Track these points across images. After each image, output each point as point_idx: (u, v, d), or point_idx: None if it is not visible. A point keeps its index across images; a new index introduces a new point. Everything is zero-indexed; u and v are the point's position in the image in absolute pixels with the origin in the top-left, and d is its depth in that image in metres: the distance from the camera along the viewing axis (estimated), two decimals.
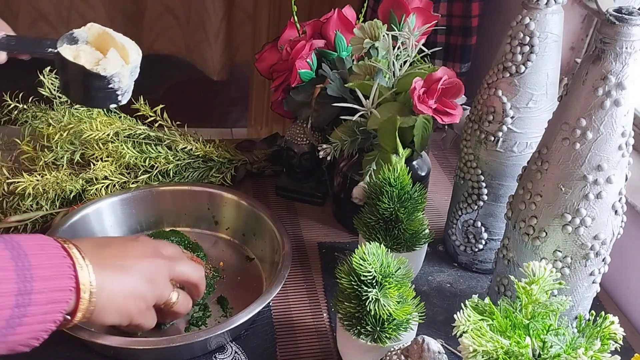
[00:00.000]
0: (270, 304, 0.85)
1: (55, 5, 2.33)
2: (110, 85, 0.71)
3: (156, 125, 1.02)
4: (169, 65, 2.58)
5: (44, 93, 1.01)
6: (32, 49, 0.74)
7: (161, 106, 1.02)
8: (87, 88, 0.71)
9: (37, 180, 0.93)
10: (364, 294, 0.66)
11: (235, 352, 0.78)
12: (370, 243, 0.68)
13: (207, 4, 2.30)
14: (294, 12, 1.01)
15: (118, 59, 0.72)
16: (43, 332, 0.59)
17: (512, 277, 0.71)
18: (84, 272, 0.61)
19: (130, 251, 0.68)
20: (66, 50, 0.71)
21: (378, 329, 0.68)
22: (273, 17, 2.13)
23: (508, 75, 0.78)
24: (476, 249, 0.90)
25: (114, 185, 0.96)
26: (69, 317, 0.61)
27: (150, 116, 1.01)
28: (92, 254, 0.63)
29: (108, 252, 0.65)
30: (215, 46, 2.38)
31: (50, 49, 0.71)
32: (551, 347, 0.58)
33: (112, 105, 0.74)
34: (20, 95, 1.00)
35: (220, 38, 2.37)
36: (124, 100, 0.74)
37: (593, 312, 0.61)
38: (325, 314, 0.85)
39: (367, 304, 0.66)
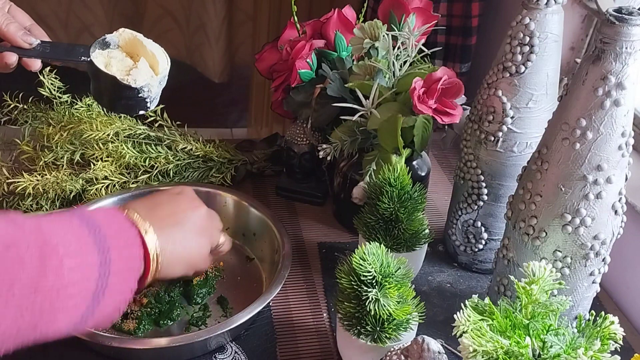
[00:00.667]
0: (270, 304, 0.85)
1: (53, 8, 2.32)
2: (140, 95, 0.73)
3: (156, 125, 1.02)
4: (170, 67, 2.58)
5: (44, 93, 1.01)
6: (65, 56, 0.75)
7: (161, 106, 1.02)
8: (118, 97, 0.73)
9: (37, 180, 0.93)
10: (364, 294, 0.66)
11: (235, 352, 0.78)
12: (370, 243, 0.68)
13: (208, 5, 2.30)
14: (294, 12, 1.01)
15: (148, 70, 0.74)
16: (122, 302, 0.61)
17: (512, 277, 0.71)
18: (149, 238, 0.64)
19: (179, 206, 0.71)
20: (98, 57, 0.73)
21: (378, 329, 0.68)
22: (273, 18, 2.13)
23: (508, 75, 0.78)
24: (476, 249, 0.90)
25: (114, 185, 0.96)
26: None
27: (150, 116, 1.01)
28: (149, 217, 0.66)
29: (161, 212, 0.68)
30: (217, 48, 2.38)
31: (83, 57, 0.73)
32: (551, 347, 0.58)
33: (141, 112, 0.76)
34: (20, 95, 1.00)
35: (221, 40, 2.37)
36: (152, 106, 0.76)
37: (593, 312, 0.61)
38: (325, 314, 0.85)
39: (367, 304, 0.66)
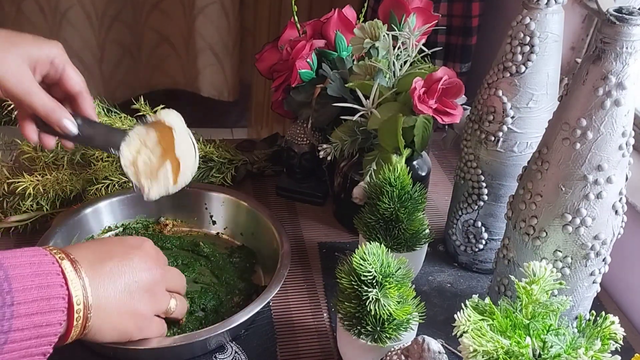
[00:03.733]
0: (270, 303, 0.85)
1: (42, 32, 2.26)
2: (142, 194, 0.76)
3: None
4: (172, 98, 2.56)
5: None
6: (102, 144, 0.75)
7: (162, 106, 1.02)
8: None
9: (38, 180, 0.93)
10: (364, 294, 0.66)
11: (236, 352, 0.78)
12: (370, 243, 0.68)
13: (209, 28, 2.27)
14: (295, 12, 1.01)
15: (167, 180, 0.75)
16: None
17: (512, 277, 0.71)
18: (78, 292, 0.57)
19: (130, 264, 0.64)
20: (132, 143, 0.74)
21: (378, 329, 0.68)
22: (273, 27, 2.12)
23: (508, 75, 0.78)
24: (476, 249, 0.90)
25: (114, 185, 0.96)
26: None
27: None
28: (90, 270, 0.59)
29: (107, 268, 0.61)
30: (228, 66, 2.35)
31: (113, 150, 0.74)
32: (551, 347, 0.58)
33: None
34: None
35: (233, 57, 2.33)
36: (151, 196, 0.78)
37: (593, 312, 0.61)
38: (325, 314, 0.85)
39: (367, 304, 0.66)
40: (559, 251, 0.69)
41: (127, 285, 0.63)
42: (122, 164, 0.73)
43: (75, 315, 0.57)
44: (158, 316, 0.70)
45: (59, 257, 0.58)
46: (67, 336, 0.58)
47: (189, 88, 2.47)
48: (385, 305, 0.66)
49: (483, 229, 0.88)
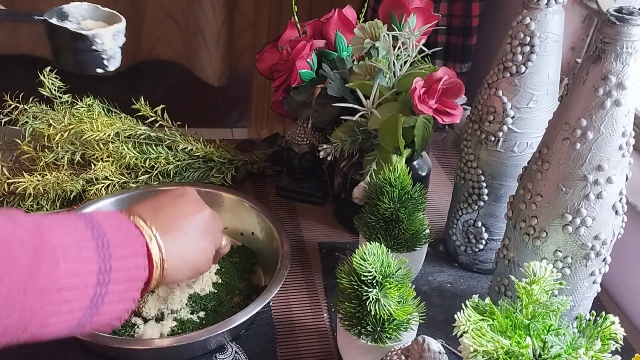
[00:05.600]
0: (271, 304, 0.85)
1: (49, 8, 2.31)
2: (93, 47, 0.73)
3: (157, 125, 1.02)
4: (169, 69, 2.58)
5: (44, 93, 1.01)
6: (22, 18, 0.77)
7: (162, 106, 1.02)
8: (73, 52, 0.74)
9: (38, 180, 0.93)
10: (364, 294, 0.66)
11: (236, 352, 0.78)
12: (370, 243, 0.68)
13: (207, 9, 2.29)
14: (295, 12, 1.01)
15: (97, 23, 0.75)
16: (124, 311, 0.60)
17: (512, 277, 0.71)
18: (153, 245, 0.63)
19: (184, 209, 0.70)
20: (54, 20, 0.74)
21: (378, 329, 0.68)
22: (273, 22, 2.12)
23: (508, 75, 0.78)
24: (477, 249, 0.90)
25: (114, 186, 0.96)
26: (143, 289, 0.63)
27: (151, 116, 1.01)
28: (154, 222, 0.65)
29: (165, 216, 0.67)
30: (215, 52, 2.37)
31: (37, 17, 0.73)
32: (552, 347, 0.58)
33: (99, 71, 0.76)
34: (21, 95, 1.00)
35: (220, 44, 2.36)
36: (111, 66, 0.76)
37: (594, 312, 0.61)
38: (325, 314, 0.85)
39: (367, 304, 0.66)
40: (559, 251, 0.69)
41: (187, 229, 0.68)
42: (50, 21, 0.73)
43: (154, 259, 0.63)
44: None
45: (133, 217, 0.64)
46: (150, 281, 0.63)
47: (186, 64, 2.50)
48: (385, 306, 0.66)
49: (483, 229, 0.88)
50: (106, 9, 0.78)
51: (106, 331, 0.61)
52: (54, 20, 0.73)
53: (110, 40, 0.74)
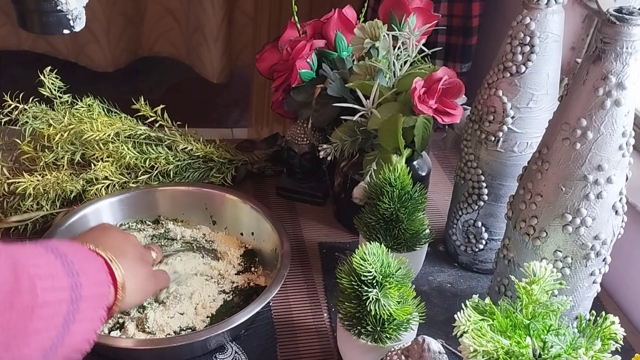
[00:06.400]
0: (271, 303, 0.85)
1: None
2: (58, 7, 0.73)
3: (157, 125, 1.02)
4: (169, 66, 2.58)
5: (44, 93, 1.01)
6: None
7: (162, 106, 1.02)
8: (39, 14, 0.74)
9: (38, 180, 0.93)
10: (364, 294, 0.66)
11: (236, 352, 0.78)
12: (370, 243, 0.68)
13: (207, 6, 2.30)
14: (295, 12, 1.01)
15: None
16: (92, 332, 0.60)
17: (512, 277, 0.71)
18: (115, 265, 0.65)
19: (117, 239, 0.73)
20: None
21: (378, 329, 0.68)
22: (273, 20, 2.12)
23: (508, 75, 0.78)
24: (477, 249, 0.90)
25: (114, 186, 0.96)
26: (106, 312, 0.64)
27: (151, 116, 1.01)
28: (102, 249, 0.66)
29: (107, 245, 0.68)
30: (215, 49, 2.38)
31: None
32: (552, 347, 0.58)
33: (66, 31, 0.76)
34: (21, 95, 1.00)
35: (219, 41, 2.37)
36: (77, 26, 0.76)
37: (594, 312, 0.61)
38: (325, 314, 0.85)
39: (367, 304, 0.66)
40: (559, 251, 0.69)
41: (131, 255, 0.72)
42: None
43: (118, 278, 0.65)
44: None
45: (84, 244, 0.66)
46: (115, 301, 0.65)
47: (187, 61, 2.50)
48: (385, 306, 0.66)
49: (483, 229, 0.88)
50: None
51: (76, 358, 0.59)
52: None
53: (74, 1, 0.74)
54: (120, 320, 0.78)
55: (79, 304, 0.57)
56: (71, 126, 0.97)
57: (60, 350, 0.56)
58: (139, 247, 0.75)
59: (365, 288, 0.66)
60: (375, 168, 0.86)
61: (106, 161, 0.96)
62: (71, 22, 0.75)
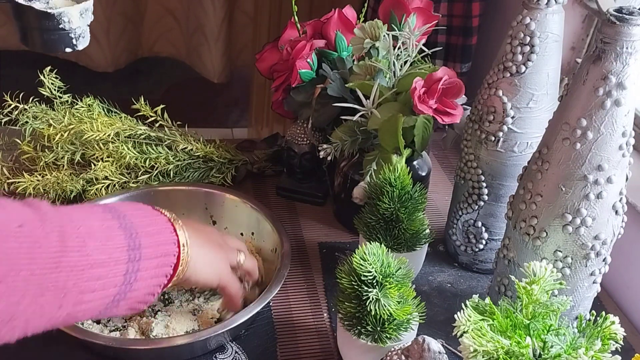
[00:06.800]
0: (271, 303, 0.85)
1: None
2: (61, 26, 0.73)
3: (157, 125, 1.02)
4: (169, 66, 2.58)
5: (44, 93, 1.01)
6: None
7: (162, 106, 1.02)
8: (40, 31, 0.73)
9: (38, 180, 0.93)
10: (364, 294, 0.66)
11: (236, 352, 0.78)
12: (370, 243, 0.68)
13: (207, 6, 2.30)
14: (295, 12, 1.01)
15: (65, 2, 0.74)
16: (157, 286, 0.61)
17: (512, 277, 0.71)
18: (179, 226, 0.64)
19: (199, 225, 0.72)
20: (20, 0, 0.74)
21: (378, 329, 0.68)
22: (273, 19, 2.13)
23: (509, 75, 0.78)
24: (477, 249, 0.90)
25: (114, 185, 0.96)
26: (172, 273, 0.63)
27: (151, 116, 1.01)
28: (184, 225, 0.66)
29: (188, 223, 0.67)
30: (215, 49, 2.38)
31: None
32: (552, 347, 0.58)
33: (68, 50, 0.75)
34: (21, 95, 1.00)
35: (220, 40, 2.37)
36: (80, 45, 0.76)
37: (594, 312, 0.61)
38: (325, 314, 0.85)
39: (367, 304, 0.66)
40: (559, 251, 0.69)
41: (203, 231, 0.71)
42: (17, 1, 0.73)
43: (182, 254, 0.64)
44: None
45: (170, 216, 0.66)
46: (178, 263, 0.64)
47: (187, 61, 2.51)
48: (385, 305, 0.66)
49: (483, 229, 0.88)
50: None
51: (142, 308, 0.61)
52: (20, 0, 0.73)
53: (78, 19, 0.74)
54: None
55: (140, 264, 0.58)
56: (71, 126, 0.97)
57: (123, 303, 0.58)
58: (220, 237, 0.74)
59: (365, 288, 0.66)
60: (375, 168, 0.86)
61: (106, 161, 0.96)
62: (74, 40, 0.75)
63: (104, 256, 0.55)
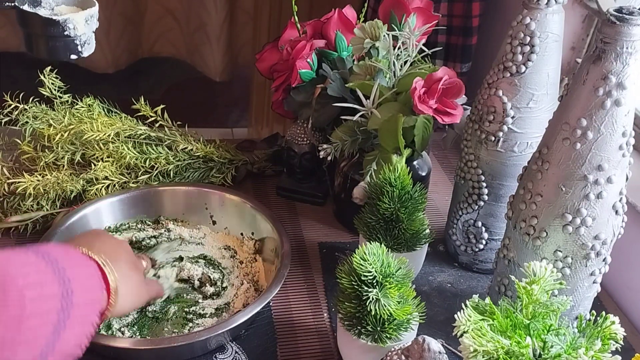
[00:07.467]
0: (271, 303, 0.85)
1: None
2: (66, 33, 0.73)
3: (157, 125, 1.02)
4: (169, 66, 2.58)
5: (44, 93, 1.01)
6: None
7: (162, 106, 1.02)
8: (45, 38, 0.74)
9: (38, 180, 0.93)
10: (364, 294, 0.66)
11: (236, 351, 0.78)
12: (370, 243, 0.68)
13: (208, 5, 2.30)
14: (295, 12, 1.01)
15: (71, 9, 0.74)
16: (85, 337, 0.59)
17: (512, 277, 0.71)
18: (108, 269, 0.64)
19: (110, 244, 0.71)
20: (25, 7, 0.74)
21: (378, 329, 0.68)
22: (274, 18, 2.13)
23: (509, 75, 0.78)
24: (477, 249, 0.90)
25: (114, 186, 0.96)
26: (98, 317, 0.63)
27: (151, 116, 1.01)
28: (95, 253, 0.65)
29: (101, 249, 0.67)
30: (217, 47, 2.38)
31: (8, 3, 0.73)
32: (552, 347, 0.58)
33: (73, 57, 0.75)
34: (21, 95, 1.00)
35: (221, 39, 2.37)
36: (85, 52, 0.76)
37: (594, 312, 0.61)
38: (325, 314, 0.85)
39: (367, 304, 0.66)
40: (559, 251, 0.69)
41: (124, 261, 0.70)
42: (19, 6, 0.72)
43: (111, 283, 0.64)
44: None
45: (77, 248, 0.65)
46: (108, 306, 0.64)
47: (188, 60, 2.51)
48: (385, 305, 0.66)
49: (483, 229, 0.88)
50: None
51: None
52: (25, 7, 0.73)
53: (83, 26, 0.73)
54: None
55: (70, 311, 0.57)
56: (71, 126, 0.97)
57: (51, 357, 0.56)
58: (131, 253, 0.74)
59: (366, 288, 0.66)
60: (375, 168, 0.86)
61: (106, 161, 0.96)
62: (79, 47, 0.75)
63: (39, 306, 0.54)
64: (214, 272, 0.87)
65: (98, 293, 0.62)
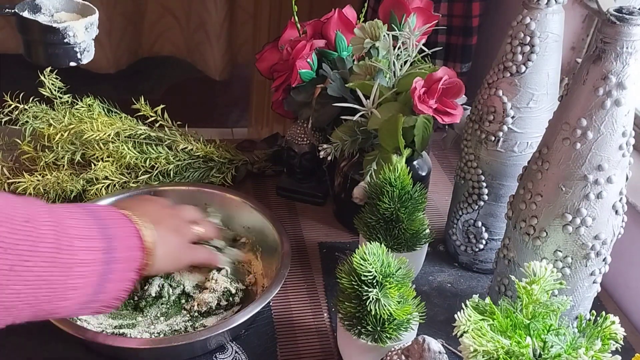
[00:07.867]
0: (271, 303, 0.85)
1: None
2: (66, 40, 0.73)
3: (157, 125, 1.02)
4: (169, 66, 2.58)
5: (44, 93, 1.01)
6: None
7: (162, 106, 1.02)
8: (45, 45, 0.74)
9: (38, 180, 0.93)
10: (364, 294, 0.66)
11: (236, 351, 0.78)
12: (370, 243, 0.68)
13: (208, 4, 2.31)
14: (295, 12, 1.01)
15: (71, 16, 0.74)
16: (124, 291, 0.64)
17: (512, 277, 0.71)
18: (146, 231, 0.68)
19: (153, 208, 0.75)
20: (25, 14, 0.74)
21: (379, 329, 0.68)
22: (274, 17, 2.13)
23: (509, 75, 0.78)
24: (477, 249, 0.90)
25: (115, 185, 0.96)
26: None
27: (151, 116, 1.01)
28: (138, 216, 0.69)
29: (146, 212, 0.71)
30: (217, 46, 2.38)
31: (8, 9, 0.73)
32: (552, 347, 0.58)
33: (72, 64, 0.76)
34: (21, 95, 1.00)
35: (222, 38, 2.37)
36: (84, 59, 0.76)
37: (594, 312, 0.61)
38: (325, 314, 0.85)
39: (367, 304, 0.66)
40: (559, 251, 0.69)
41: (161, 222, 0.73)
42: (21, 14, 0.72)
43: (148, 245, 0.68)
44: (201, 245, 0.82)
45: (134, 217, 0.69)
46: (145, 264, 0.68)
47: (188, 59, 2.52)
48: (385, 305, 0.66)
49: (483, 229, 0.88)
50: (80, 0, 0.77)
51: (106, 312, 0.65)
52: (25, 14, 0.73)
53: (83, 33, 0.74)
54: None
55: (112, 265, 0.62)
56: (71, 126, 0.97)
57: (93, 305, 0.62)
58: (177, 219, 0.77)
59: (366, 288, 0.66)
60: (375, 168, 0.86)
61: (106, 161, 0.96)
62: (78, 54, 0.75)
63: (87, 256, 0.59)
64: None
65: (135, 252, 0.66)
